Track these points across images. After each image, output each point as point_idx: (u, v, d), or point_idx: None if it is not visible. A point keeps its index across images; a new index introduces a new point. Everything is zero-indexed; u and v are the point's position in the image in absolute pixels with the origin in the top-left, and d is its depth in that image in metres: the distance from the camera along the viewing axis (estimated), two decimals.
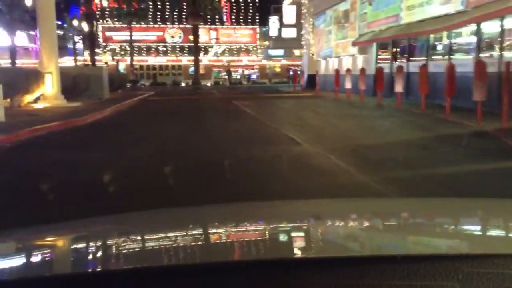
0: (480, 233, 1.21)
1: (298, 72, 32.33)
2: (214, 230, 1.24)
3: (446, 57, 14.20)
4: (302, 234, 1.20)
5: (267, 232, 1.20)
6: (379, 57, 19.35)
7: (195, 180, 4.75)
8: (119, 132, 9.54)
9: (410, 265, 0.78)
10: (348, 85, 17.90)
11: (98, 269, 0.95)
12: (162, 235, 1.19)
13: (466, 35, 13.90)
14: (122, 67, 43.49)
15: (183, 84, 43.51)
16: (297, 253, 1.01)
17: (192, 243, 1.09)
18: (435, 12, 14.61)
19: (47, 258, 1.05)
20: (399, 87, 13.58)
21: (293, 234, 1.20)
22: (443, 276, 0.77)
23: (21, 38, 40.20)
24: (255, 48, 51.40)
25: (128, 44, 43.70)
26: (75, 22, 40.90)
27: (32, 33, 36.91)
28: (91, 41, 32.56)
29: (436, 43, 15.39)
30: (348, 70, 18.59)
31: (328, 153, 6.11)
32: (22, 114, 11.49)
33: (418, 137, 7.69)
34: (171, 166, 5.19)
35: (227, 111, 14.01)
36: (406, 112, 11.93)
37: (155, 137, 8.34)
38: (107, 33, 48.13)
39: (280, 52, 50.87)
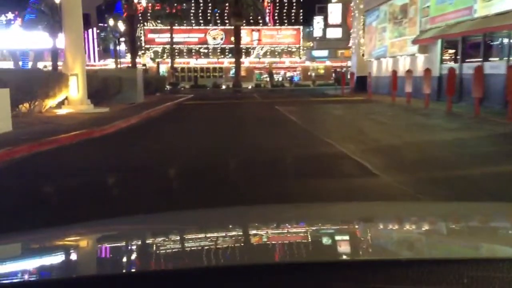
0: (485, 237, 1.14)
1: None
2: (250, 232, 1.23)
3: None
4: (301, 237, 1.15)
5: (266, 237, 1.16)
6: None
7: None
8: (137, 147, 7.81)
9: (414, 269, 0.77)
10: (408, 88, 15.75)
11: (120, 271, 0.93)
12: (202, 235, 1.19)
13: None
14: (163, 69, 42.61)
15: (223, 87, 42.18)
16: (298, 256, 0.96)
17: (232, 244, 1.07)
18: None
19: (64, 260, 1.03)
20: (477, 92, 11.30)
21: (294, 238, 1.14)
22: (447, 280, 0.75)
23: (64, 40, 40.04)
24: (298, 49, 49.27)
25: (170, 46, 42.82)
26: (111, 22, 40.38)
27: None
28: (132, 43, 32.07)
29: None
30: (408, 71, 16.38)
31: (428, 195, 4.00)
32: (37, 122, 10.07)
33: None
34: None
35: (270, 120, 11.95)
36: (492, 123, 9.63)
37: (178, 158, 6.60)
38: (150, 35, 47.49)
39: (324, 53, 48.56)
